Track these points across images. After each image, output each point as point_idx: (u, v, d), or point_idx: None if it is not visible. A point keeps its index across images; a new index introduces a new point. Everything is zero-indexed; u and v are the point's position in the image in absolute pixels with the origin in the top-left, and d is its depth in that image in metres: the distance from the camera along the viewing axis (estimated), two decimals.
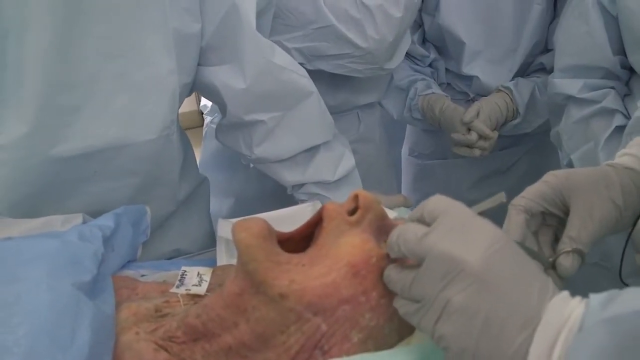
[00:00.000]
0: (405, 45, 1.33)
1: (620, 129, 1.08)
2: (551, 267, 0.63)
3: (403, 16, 1.20)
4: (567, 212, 0.66)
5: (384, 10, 1.18)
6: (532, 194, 0.67)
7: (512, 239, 0.62)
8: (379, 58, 1.24)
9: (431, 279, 0.48)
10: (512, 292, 0.46)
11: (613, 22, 1.09)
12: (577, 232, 0.63)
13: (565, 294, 0.47)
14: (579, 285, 0.62)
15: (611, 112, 1.11)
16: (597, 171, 0.68)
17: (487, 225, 0.50)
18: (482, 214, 0.53)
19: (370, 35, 1.19)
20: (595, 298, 0.44)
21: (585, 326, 0.43)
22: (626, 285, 0.74)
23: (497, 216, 0.60)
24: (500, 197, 0.57)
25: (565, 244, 0.63)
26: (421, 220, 0.52)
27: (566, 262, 0.62)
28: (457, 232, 0.49)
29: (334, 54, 1.22)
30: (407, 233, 0.51)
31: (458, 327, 0.46)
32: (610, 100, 1.12)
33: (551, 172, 0.68)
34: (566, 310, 0.45)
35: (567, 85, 1.17)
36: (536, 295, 0.46)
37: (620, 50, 1.11)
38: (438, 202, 0.52)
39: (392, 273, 0.53)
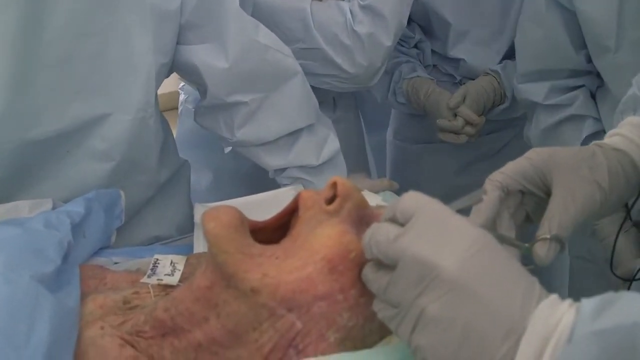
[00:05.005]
0: None
1: (591, 137, 1.04)
2: (529, 252, 0.59)
3: (392, 44, 1.20)
4: (547, 192, 0.62)
5: (375, 38, 1.17)
6: (512, 170, 0.63)
7: (482, 216, 0.59)
8: (365, 80, 1.23)
9: (405, 285, 0.44)
10: (493, 299, 0.42)
11: (572, 18, 1.04)
12: (558, 215, 0.59)
13: (554, 297, 0.43)
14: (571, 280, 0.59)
15: (581, 119, 1.08)
16: (583, 151, 0.64)
17: (465, 224, 0.46)
18: (462, 211, 0.49)
19: (359, 62, 1.18)
20: (588, 304, 0.41)
21: (575, 337, 0.39)
22: (616, 275, 0.73)
23: None
24: (480, 193, 0.54)
25: (544, 229, 0.59)
26: (394, 220, 0.48)
27: (541, 252, 0.58)
28: (431, 234, 0.45)
29: (319, 73, 1.21)
30: (379, 234, 0.47)
31: (434, 338, 0.43)
32: (580, 105, 1.09)
33: (535, 149, 0.64)
34: (554, 318, 0.41)
35: (532, 90, 1.14)
36: (520, 300, 0.42)
37: (585, 43, 1.05)
38: (412, 200, 0.48)
39: (369, 272, 0.49)
